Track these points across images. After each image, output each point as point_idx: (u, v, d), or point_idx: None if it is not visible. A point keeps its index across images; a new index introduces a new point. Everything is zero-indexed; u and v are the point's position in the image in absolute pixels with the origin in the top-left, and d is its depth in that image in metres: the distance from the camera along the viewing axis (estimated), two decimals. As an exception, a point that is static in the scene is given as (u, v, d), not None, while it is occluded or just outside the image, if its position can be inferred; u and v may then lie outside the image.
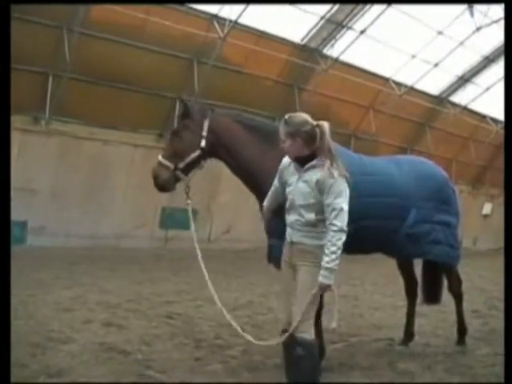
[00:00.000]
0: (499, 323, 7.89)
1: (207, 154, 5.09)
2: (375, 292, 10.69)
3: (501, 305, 9.58)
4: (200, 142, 5.02)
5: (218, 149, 5.09)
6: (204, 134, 5.02)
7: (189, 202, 5.05)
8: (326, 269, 3.92)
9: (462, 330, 6.52)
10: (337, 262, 3.94)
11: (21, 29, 11.93)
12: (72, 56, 13.59)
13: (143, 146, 15.68)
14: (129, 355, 5.44)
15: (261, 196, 5.08)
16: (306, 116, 4.20)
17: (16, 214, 13.30)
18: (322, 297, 4.58)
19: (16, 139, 13.37)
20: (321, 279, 3.92)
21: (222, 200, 17.29)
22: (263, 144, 4.92)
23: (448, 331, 6.99)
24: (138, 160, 15.71)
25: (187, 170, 5.05)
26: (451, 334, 6.70)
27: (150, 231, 16.50)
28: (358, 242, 4.97)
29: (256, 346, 5.86)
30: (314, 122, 4.12)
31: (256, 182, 5.00)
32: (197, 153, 5.02)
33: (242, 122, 5.23)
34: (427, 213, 5.67)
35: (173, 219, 16.03)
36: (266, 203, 4.63)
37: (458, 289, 6.48)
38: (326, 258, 3.92)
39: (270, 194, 4.58)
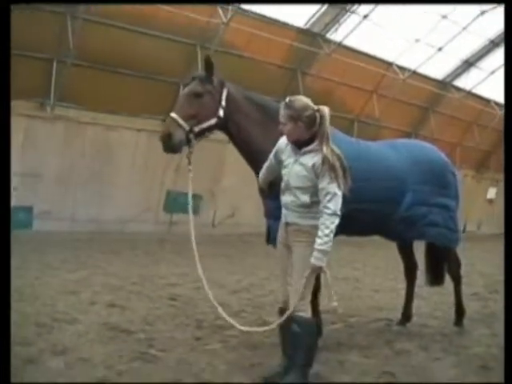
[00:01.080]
0: (498, 306, 8.02)
1: (220, 124, 5.02)
2: (377, 275, 10.79)
3: (501, 288, 9.70)
4: (218, 110, 4.94)
5: (228, 122, 5.03)
6: (223, 103, 4.95)
7: (190, 168, 4.90)
8: (319, 251, 4.02)
9: (459, 311, 6.62)
10: (329, 244, 4.04)
11: (25, 16, 11.99)
12: (76, 42, 13.64)
13: (147, 130, 15.75)
14: (131, 334, 5.57)
15: None
16: (307, 100, 4.25)
17: (22, 199, 13.51)
18: (318, 277, 4.69)
19: (21, 125, 13.49)
20: (313, 261, 4.03)
21: (226, 184, 17.38)
22: (271, 124, 4.88)
23: (446, 313, 7.10)
24: (141, 145, 15.81)
25: (199, 135, 4.92)
26: (449, 316, 6.80)
27: (155, 215, 16.62)
28: (354, 225, 5.10)
29: (256, 327, 6.01)
30: (315, 107, 4.19)
31: (260, 161, 4.93)
32: (213, 121, 4.93)
33: (253, 99, 5.22)
34: (424, 196, 5.74)
35: (177, 203, 16.11)
36: (261, 175, 4.72)
37: (456, 271, 6.58)
38: (318, 241, 4.02)
39: (265, 167, 4.66)
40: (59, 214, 14.50)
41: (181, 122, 4.75)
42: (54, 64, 14.21)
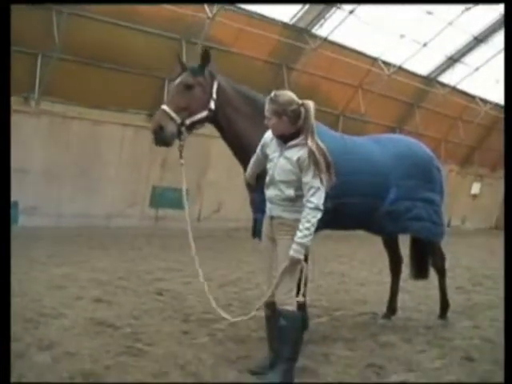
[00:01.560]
0: (482, 299, 8.16)
1: (210, 117, 4.97)
2: (362, 269, 10.89)
3: (485, 281, 9.86)
4: (209, 102, 4.90)
5: (218, 114, 4.99)
6: (214, 96, 4.91)
7: (182, 161, 4.88)
8: (298, 244, 4.07)
9: (444, 304, 6.71)
10: (309, 238, 4.09)
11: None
12: (61, 36, 13.58)
13: (133, 125, 15.75)
14: (118, 329, 5.58)
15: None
16: (291, 94, 4.29)
17: (7, 193, 13.41)
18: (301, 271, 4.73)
19: (6, 119, 13.39)
20: (292, 253, 4.08)
21: (212, 179, 17.41)
22: (261, 118, 4.95)
23: (431, 307, 7.19)
24: (127, 140, 15.80)
25: (190, 128, 4.88)
26: (434, 309, 6.91)
27: (141, 210, 16.61)
28: (339, 219, 5.14)
29: (242, 320, 6.06)
30: (300, 101, 4.22)
31: (250, 155, 4.95)
32: (204, 113, 4.89)
33: (243, 92, 5.21)
34: (409, 190, 5.80)
35: (163, 198, 16.16)
36: (248, 170, 4.75)
37: (441, 264, 6.66)
38: (299, 234, 4.07)
39: (252, 162, 4.70)
40: (45, 209, 14.44)
41: (172, 114, 4.70)
42: (39, 58, 14.12)
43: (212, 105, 4.92)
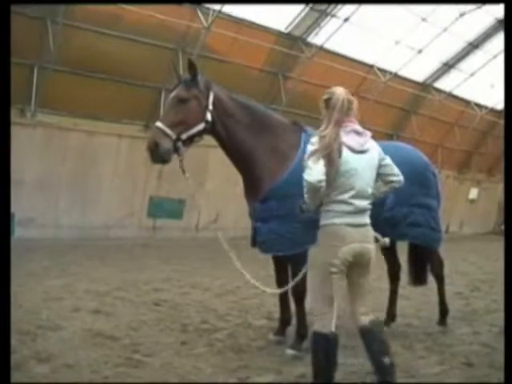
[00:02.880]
0: (480, 304, 8.13)
1: (208, 129, 4.93)
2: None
3: (483, 286, 9.83)
4: (205, 114, 4.85)
5: (216, 125, 4.95)
6: (210, 107, 4.85)
7: (187, 175, 4.85)
8: None
9: (443, 310, 6.67)
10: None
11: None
12: (56, 47, 13.58)
13: (128, 136, 15.74)
14: (117, 340, 5.56)
15: (249, 180, 5.12)
16: (335, 88, 4.17)
17: (4, 206, 13.36)
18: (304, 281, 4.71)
19: (2, 131, 13.36)
20: None
21: (210, 188, 17.37)
22: (258, 125, 4.87)
23: (430, 313, 7.14)
24: (123, 151, 15.78)
25: (188, 142, 4.83)
26: (433, 315, 6.85)
27: (138, 220, 16.55)
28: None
29: (241, 330, 6.06)
30: (336, 93, 4.09)
31: (249, 163, 4.97)
32: (201, 125, 4.83)
33: (239, 101, 5.17)
34: (406, 196, 5.77)
35: (160, 208, 16.13)
36: None
37: (439, 270, 6.64)
38: None
39: None
40: (42, 220, 14.40)
41: (167, 130, 4.65)
42: (35, 70, 14.12)
43: (208, 116, 4.87)
